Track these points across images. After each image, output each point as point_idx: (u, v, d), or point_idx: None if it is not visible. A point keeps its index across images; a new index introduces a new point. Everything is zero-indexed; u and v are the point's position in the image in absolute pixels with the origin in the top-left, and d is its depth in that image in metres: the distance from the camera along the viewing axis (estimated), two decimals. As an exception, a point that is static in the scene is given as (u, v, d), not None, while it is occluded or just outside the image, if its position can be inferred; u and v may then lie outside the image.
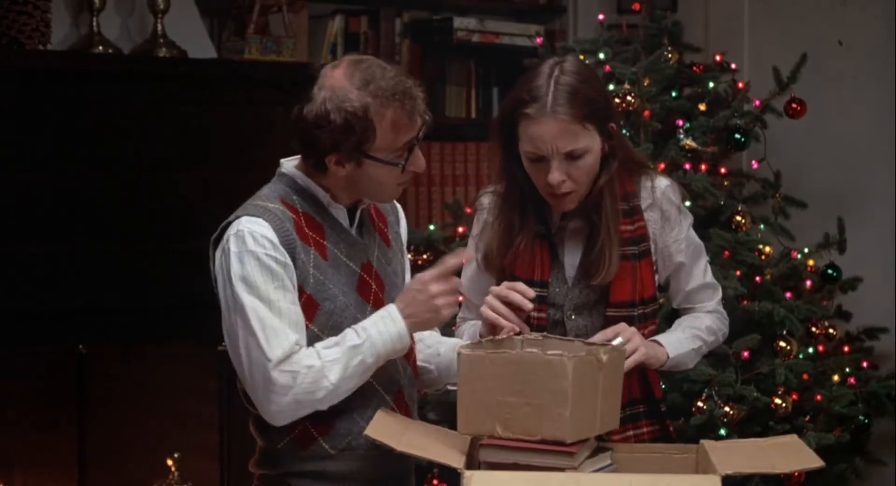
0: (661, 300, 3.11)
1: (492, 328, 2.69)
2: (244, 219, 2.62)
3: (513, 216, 2.82)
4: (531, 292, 2.67)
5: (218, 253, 2.65)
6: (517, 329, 2.66)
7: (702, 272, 2.93)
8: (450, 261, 2.65)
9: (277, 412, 2.60)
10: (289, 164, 2.74)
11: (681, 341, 2.83)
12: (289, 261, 2.60)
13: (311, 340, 2.64)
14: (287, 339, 2.57)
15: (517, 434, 2.46)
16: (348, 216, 2.74)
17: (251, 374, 2.59)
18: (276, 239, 2.60)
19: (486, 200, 2.93)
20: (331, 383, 2.59)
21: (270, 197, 2.68)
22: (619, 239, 2.79)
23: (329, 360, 2.58)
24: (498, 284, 2.84)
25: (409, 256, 4.31)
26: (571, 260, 2.84)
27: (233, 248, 2.60)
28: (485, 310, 2.69)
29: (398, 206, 2.92)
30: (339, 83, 2.60)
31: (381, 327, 2.62)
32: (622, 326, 2.72)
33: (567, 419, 2.44)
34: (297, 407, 2.60)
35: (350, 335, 2.61)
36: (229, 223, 2.65)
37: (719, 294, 2.98)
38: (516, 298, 2.66)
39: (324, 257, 2.66)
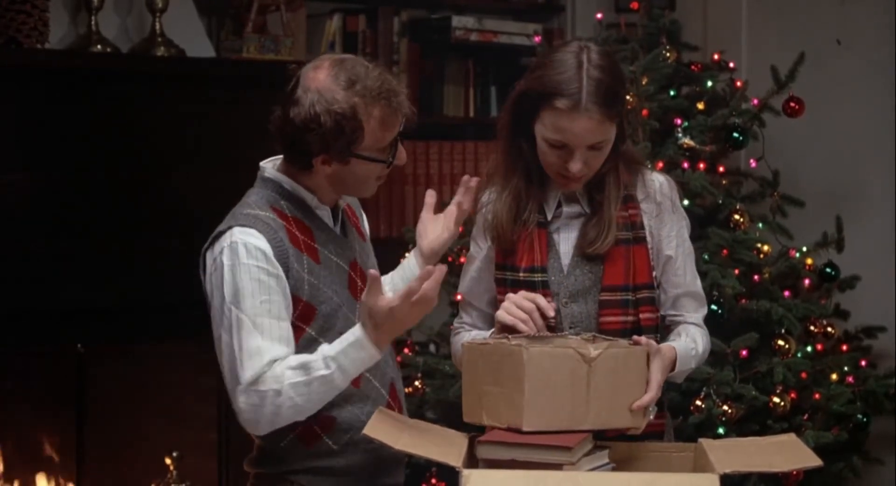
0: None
1: (508, 331, 2.70)
2: (236, 230, 2.63)
3: (521, 188, 2.85)
4: (550, 310, 2.71)
5: (209, 263, 2.66)
6: (535, 333, 2.68)
7: (691, 278, 2.93)
8: (414, 284, 2.58)
9: (253, 426, 2.64)
10: (270, 167, 2.74)
11: (682, 361, 2.82)
12: (281, 273, 2.62)
13: (309, 343, 2.66)
14: (261, 359, 2.59)
15: (494, 422, 2.54)
16: (332, 217, 2.76)
17: (229, 389, 2.63)
18: (269, 250, 2.61)
19: (486, 199, 2.95)
20: (299, 405, 2.60)
21: (260, 204, 2.69)
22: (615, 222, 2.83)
23: (293, 382, 2.58)
24: (498, 281, 2.86)
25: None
26: (567, 248, 2.86)
27: (226, 261, 2.62)
28: (501, 314, 2.71)
29: (357, 200, 2.93)
30: (325, 85, 2.61)
31: (353, 355, 2.60)
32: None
33: (522, 407, 2.50)
34: (270, 425, 2.63)
35: (317, 364, 2.59)
36: (221, 233, 2.65)
37: (705, 310, 2.96)
38: (540, 302, 2.69)
39: (316, 261, 2.68)
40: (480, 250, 2.93)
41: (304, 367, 2.59)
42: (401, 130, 2.69)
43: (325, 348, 2.61)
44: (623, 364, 2.57)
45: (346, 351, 2.59)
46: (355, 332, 2.60)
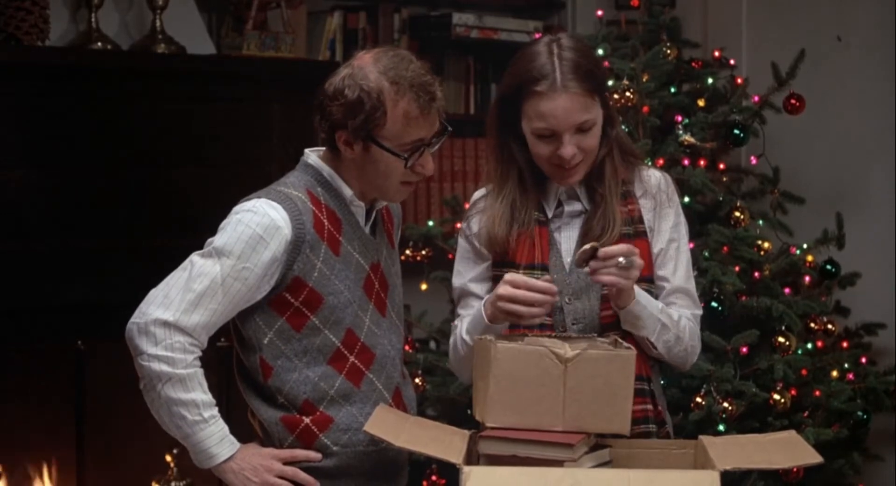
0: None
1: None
2: (264, 201, 2.65)
3: (515, 194, 2.84)
4: (552, 287, 2.66)
5: (226, 218, 2.68)
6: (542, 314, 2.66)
7: (683, 275, 2.89)
8: (300, 453, 2.70)
9: (129, 340, 2.65)
10: (314, 155, 2.76)
11: (650, 301, 2.79)
12: (279, 256, 2.62)
13: (313, 332, 2.67)
14: (198, 318, 2.61)
15: (476, 416, 2.56)
16: (365, 216, 2.77)
17: (148, 306, 2.65)
18: (286, 229, 2.62)
19: (479, 194, 2.94)
20: (163, 394, 2.63)
21: (296, 185, 2.71)
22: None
23: (170, 396, 2.62)
24: (495, 279, 2.83)
25: (408, 251, 4.37)
26: (568, 246, 2.85)
27: (238, 216, 2.64)
28: (503, 305, 2.66)
29: (400, 211, 2.94)
30: (364, 64, 2.65)
31: (216, 437, 2.66)
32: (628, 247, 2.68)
33: (486, 402, 2.51)
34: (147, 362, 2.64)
35: (205, 407, 2.64)
36: (248, 200, 2.68)
37: (698, 310, 2.93)
38: (539, 285, 2.64)
39: (335, 253, 2.68)
40: (478, 253, 2.91)
41: (194, 389, 2.63)
42: (432, 140, 2.68)
43: (210, 407, 2.65)
44: (605, 367, 2.53)
45: (220, 435, 2.67)
46: (233, 444, 2.69)
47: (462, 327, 2.84)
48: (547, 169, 2.81)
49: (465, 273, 2.92)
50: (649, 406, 2.84)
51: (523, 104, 2.75)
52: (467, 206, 3.00)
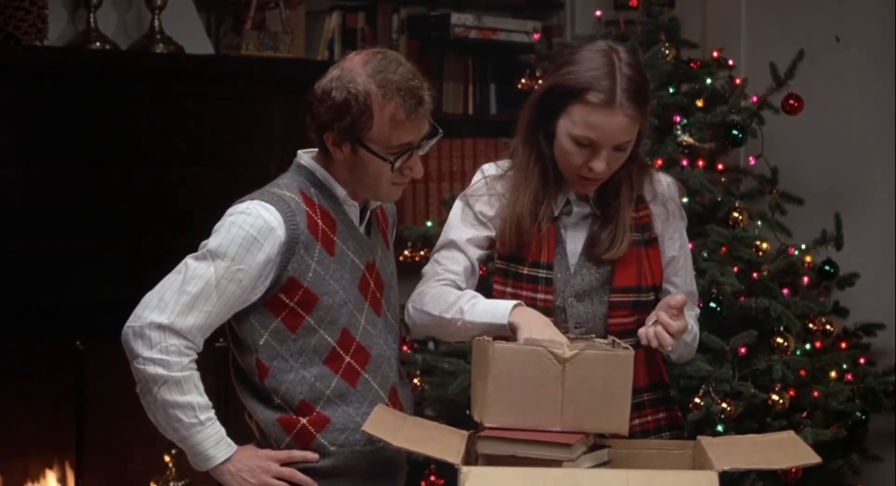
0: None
1: None
2: (257, 202, 2.65)
3: (538, 189, 2.81)
4: None
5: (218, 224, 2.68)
6: None
7: (690, 277, 2.93)
8: (297, 454, 2.69)
9: (126, 343, 2.66)
10: (306, 156, 2.76)
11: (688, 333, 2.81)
12: (273, 258, 2.62)
13: (308, 332, 2.67)
14: (193, 321, 2.62)
15: (474, 416, 2.57)
16: (359, 215, 2.76)
17: (143, 309, 2.65)
18: (279, 230, 2.62)
19: (493, 172, 2.90)
20: (159, 397, 2.63)
21: (290, 186, 2.71)
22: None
23: (165, 398, 2.62)
24: (498, 271, 2.83)
25: (407, 252, 4.37)
26: (574, 247, 2.84)
27: (232, 218, 2.65)
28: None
29: (395, 211, 2.94)
30: (353, 66, 2.65)
31: (213, 440, 2.66)
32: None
33: (483, 402, 2.51)
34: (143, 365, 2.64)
35: (201, 410, 2.64)
36: (242, 202, 2.68)
37: (696, 310, 2.96)
38: None
39: (330, 253, 2.68)
40: (482, 223, 2.88)
41: (190, 393, 2.63)
42: (421, 143, 2.68)
43: (206, 409, 2.66)
44: (603, 367, 2.54)
45: (215, 435, 2.68)
46: (230, 445, 2.70)
47: (466, 304, 2.75)
48: (568, 173, 2.79)
49: (466, 231, 2.87)
50: (662, 415, 2.85)
51: (571, 106, 2.72)
52: (475, 178, 2.96)
